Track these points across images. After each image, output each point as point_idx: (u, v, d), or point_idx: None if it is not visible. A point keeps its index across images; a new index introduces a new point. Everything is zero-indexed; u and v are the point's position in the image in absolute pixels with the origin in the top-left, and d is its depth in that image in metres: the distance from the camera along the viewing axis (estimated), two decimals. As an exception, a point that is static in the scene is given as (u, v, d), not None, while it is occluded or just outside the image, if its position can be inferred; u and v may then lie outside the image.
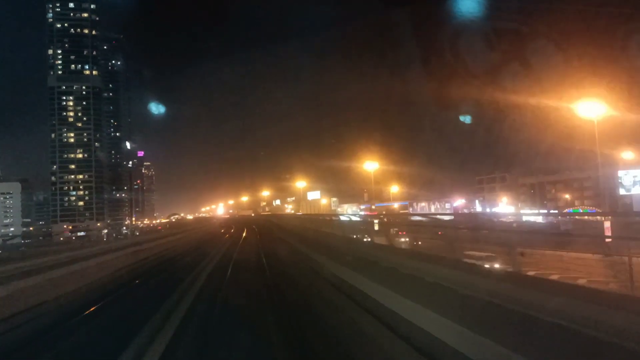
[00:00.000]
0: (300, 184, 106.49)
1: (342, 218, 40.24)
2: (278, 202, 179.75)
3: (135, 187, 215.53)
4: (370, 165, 68.74)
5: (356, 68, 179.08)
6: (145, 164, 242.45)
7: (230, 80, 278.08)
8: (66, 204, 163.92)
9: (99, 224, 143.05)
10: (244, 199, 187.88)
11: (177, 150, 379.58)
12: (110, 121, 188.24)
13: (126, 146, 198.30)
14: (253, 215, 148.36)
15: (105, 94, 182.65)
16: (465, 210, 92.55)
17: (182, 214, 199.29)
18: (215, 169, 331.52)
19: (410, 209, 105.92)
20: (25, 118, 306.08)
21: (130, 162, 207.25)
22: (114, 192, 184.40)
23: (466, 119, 73.38)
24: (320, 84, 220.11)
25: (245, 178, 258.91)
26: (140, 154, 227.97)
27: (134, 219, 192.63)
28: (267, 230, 62.21)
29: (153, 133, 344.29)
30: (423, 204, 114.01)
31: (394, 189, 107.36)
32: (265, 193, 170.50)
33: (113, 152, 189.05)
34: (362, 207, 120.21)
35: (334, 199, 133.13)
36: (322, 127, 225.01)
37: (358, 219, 32.11)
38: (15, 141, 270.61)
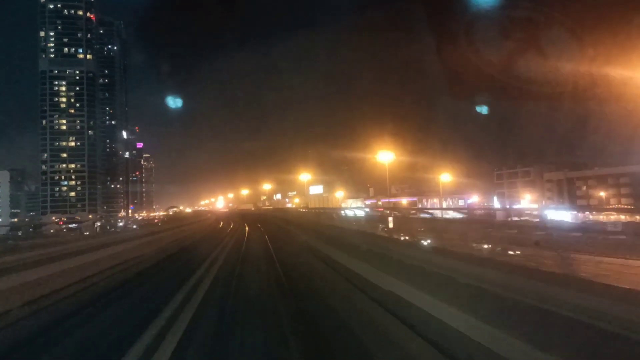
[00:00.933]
0: (304, 176, 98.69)
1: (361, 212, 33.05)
2: (279, 196, 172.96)
3: (134, 179, 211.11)
4: (384, 156, 60.53)
5: (364, 59, 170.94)
6: (144, 155, 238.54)
7: (235, 71, 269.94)
8: (57, 195, 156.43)
9: (90, 216, 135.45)
10: (244, 192, 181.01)
11: (177, 142, 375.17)
12: (105, 109, 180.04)
13: (122, 135, 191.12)
14: (253, 209, 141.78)
15: (101, 80, 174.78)
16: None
17: (180, 207, 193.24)
18: (216, 161, 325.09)
19: (420, 205, 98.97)
20: (16, 104, 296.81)
21: (128, 153, 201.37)
22: (108, 183, 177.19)
23: (482, 109, 65.79)
24: (326, 75, 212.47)
25: (246, 171, 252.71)
26: (140, 145, 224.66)
27: (130, 211, 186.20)
28: (278, 231, 43.04)
29: (153, 124, 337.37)
30: (434, 199, 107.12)
31: (399, 183, 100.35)
32: (267, 186, 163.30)
33: (108, 141, 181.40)
34: (368, 202, 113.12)
35: (339, 194, 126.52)
36: (326, 121, 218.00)
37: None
38: (8, 129, 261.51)
